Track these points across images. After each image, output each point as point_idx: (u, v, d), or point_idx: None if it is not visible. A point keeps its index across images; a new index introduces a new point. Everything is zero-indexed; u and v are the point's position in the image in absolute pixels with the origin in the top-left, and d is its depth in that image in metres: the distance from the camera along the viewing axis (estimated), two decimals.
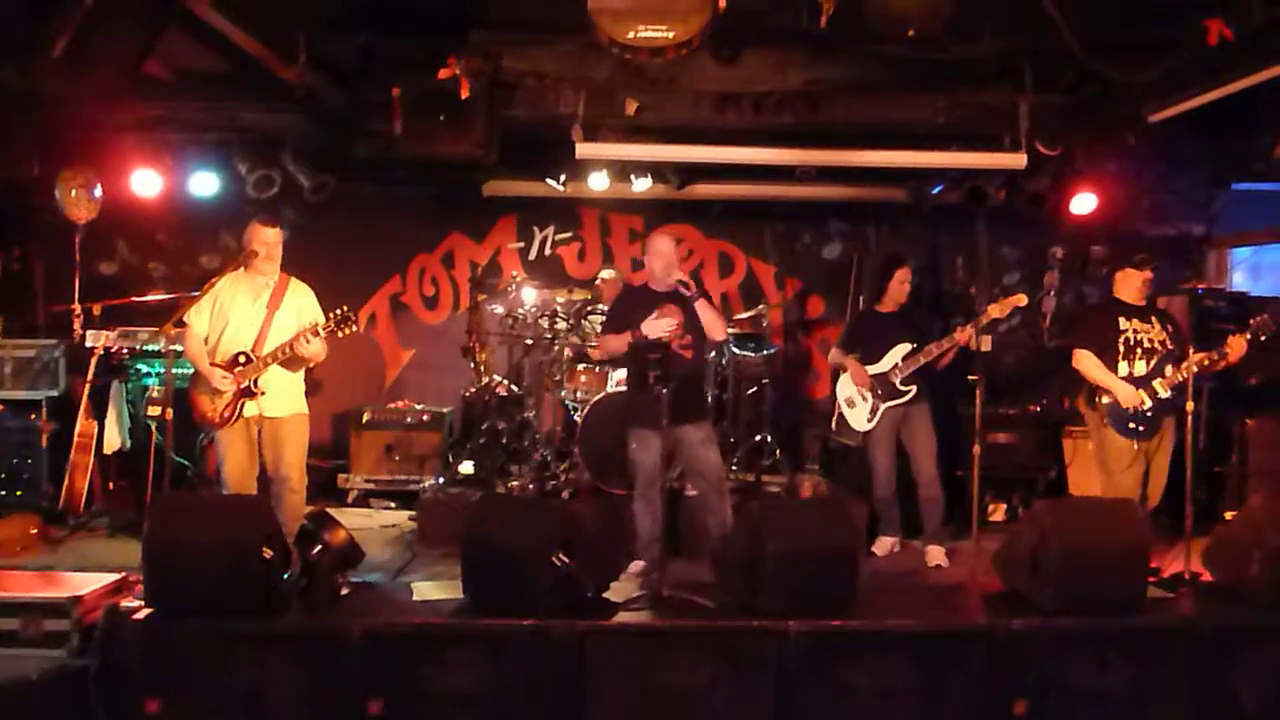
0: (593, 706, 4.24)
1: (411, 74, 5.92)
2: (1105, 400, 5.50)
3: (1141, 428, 5.42)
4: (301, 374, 5.52)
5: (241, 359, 5.29)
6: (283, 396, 5.38)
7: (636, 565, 5.47)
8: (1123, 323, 5.56)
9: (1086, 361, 5.57)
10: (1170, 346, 5.50)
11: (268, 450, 5.38)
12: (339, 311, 5.31)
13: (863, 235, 8.76)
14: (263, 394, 5.27)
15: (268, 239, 5.37)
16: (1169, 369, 5.41)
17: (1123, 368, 5.49)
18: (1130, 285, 5.66)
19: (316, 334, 5.23)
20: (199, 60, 5.41)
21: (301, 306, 5.43)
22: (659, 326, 5.50)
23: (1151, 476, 5.52)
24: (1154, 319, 5.59)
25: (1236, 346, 5.32)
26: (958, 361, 6.15)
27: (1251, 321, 5.32)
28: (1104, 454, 5.59)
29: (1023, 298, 5.85)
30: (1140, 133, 6.69)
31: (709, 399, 5.77)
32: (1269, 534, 4.70)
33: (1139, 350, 5.48)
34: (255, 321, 5.35)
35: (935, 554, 6.02)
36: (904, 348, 6.12)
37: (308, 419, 5.55)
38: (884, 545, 6.30)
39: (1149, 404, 5.42)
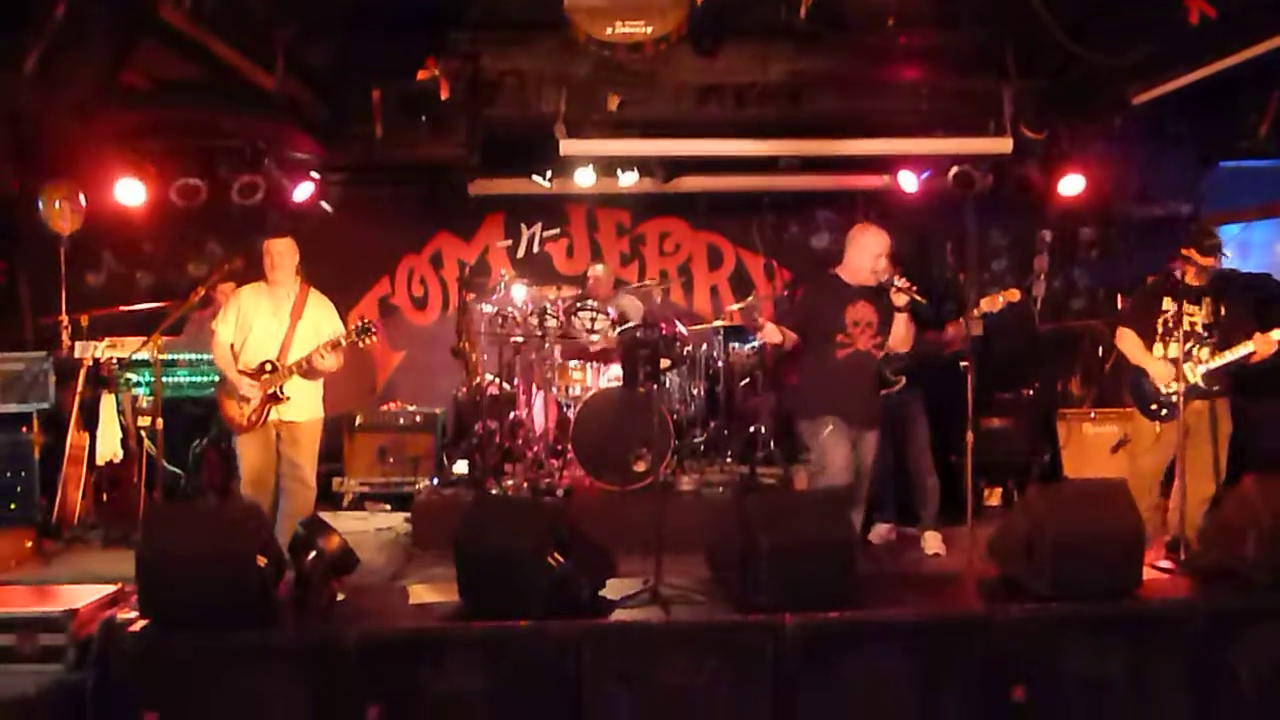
0: (591, 706, 4.23)
1: (391, 77, 5.91)
2: (1134, 379, 5.47)
3: (1164, 410, 5.37)
4: (320, 381, 5.76)
5: (268, 367, 5.52)
6: (303, 402, 5.66)
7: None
8: (1167, 303, 5.43)
9: (1125, 339, 5.55)
10: (1213, 332, 5.34)
11: (286, 452, 5.65)
12: (360, 322, 5.58)
13: (850, 224, 8.70)
14: (287, 400, 5.54)
15: (277, 250, 5.61)
16: (1205, 353, 5.32)
17: (1157, 349, 5.44)
18: (1190, 261, 5.43)
19: (337, 345, 5.50)
20: (178, 70, 5.39)
21: (320, 319, 5.69)
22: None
23: (1194, 469, 5.29)
24: (1206, 300, 5.41)
25: (1263, 345, 5.19)
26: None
27: None
28: (1134, 434, 5.61)
29: (1015, 292, 5.79)
30: (1125, 114, 6.68)
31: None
32: (1263, 514, 4.70)
33: (1177, 332, 5.38)
34: (278, 332, 5.59)
35: (932, 541, 6.03)
36: None
37: (322, 422, 5.83)
38: (879, 532, 6.30)
39: (1174, 387, 5.33)
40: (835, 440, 5.37)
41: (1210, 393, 5.32)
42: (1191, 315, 5.41)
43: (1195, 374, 5.32)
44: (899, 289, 5.26)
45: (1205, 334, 5.35)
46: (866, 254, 5.41)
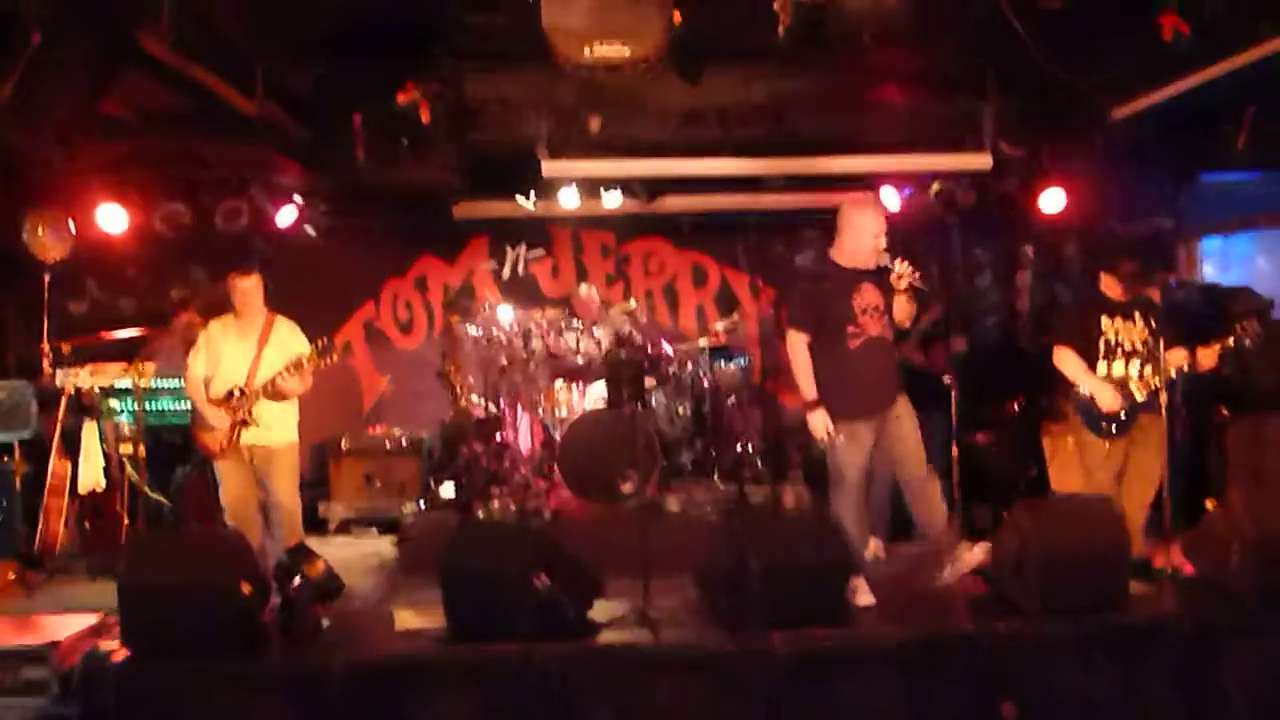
0: None
1: (372, 102, 5.92)
2: (1079, 398, 5.49)
3: (1114, 427, 5.41)
4: (294, 404, 5.81)
5: (235, 393, 5.61)
6: (275, 426, 5.71)
7: (859, 582, 4.98)
8: (1105, 322, 5.47)
9: (1067, 360, 5.49)
10: (1150, 347, 5.40)
11: (262, 476, 5.72)
12: (320, 343, 5.61)
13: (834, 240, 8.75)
14: (256, 424, 5.61)
15: (244, 288, 5.71)
16: (1147, 370, 5.38)
17: (1101, 368, 5.45)
18: (1114, 285, 5.53)
19: (300, 366, 5.53)
20: (159, 98, 5.39)
21: (287, 342, 5.75)
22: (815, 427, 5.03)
23: (1134, 474, 5.45)
24: (1137, 315, 5.48)
25: (1206, 359, 5.29)
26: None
27: (1239, 328, 5.23)
28: (1081, 451, 5.58)
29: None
30: (1105, 130, 6.73)
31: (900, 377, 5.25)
32: (1248, 528, 4.72)
33: (1119, 351, 5.44)
34: (245, 360, 5.68)
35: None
36: None
37: (297, 447, 5.86)
38: (869, 549, 6.23)
39: (1124, 405, 5.41)
40: (850, 450, 5.03)
41: (1154, 406, 5.35)
42: (1130, 332, 5.45)
43: (1142, 392, 5.35)
44: (900, 274, 4.96)
45: (1144, 350, 5.38)
46: (865, 233, 5.08)
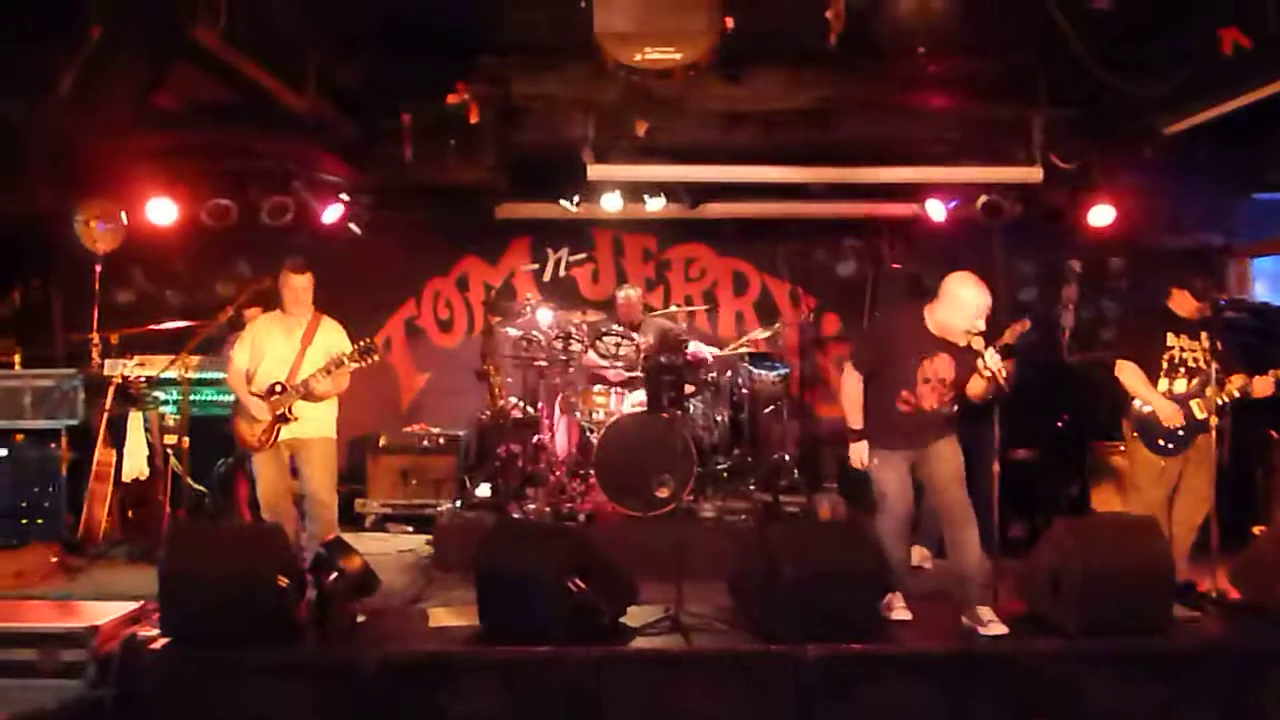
0: None
1: (421, 100, 5.95)
2: (1139, 413, 5.40)
3: (1171, 445, 5.33)
4: (334, 401, 5.84)
5: (277, 388, 5.64)
6: (313, 421, 5.75)
7: (897, 598, 4.96)
8: (1170, 339, 5.40)
9: (1129, 374, 5.43)
10: (1212, 365, 5.30)
11: (300, 469, 5.79)
12: (362, 343, 5.65)
13: (876, 251, 8.71)
14: (296, 420, 5.65)
15: (297, 285, 5.77)
16: (1209, 390, 5.27)
17: (1163, 384, 5.38)
18: (1185, 302, 5.45)
19: (340, 365, 5.59)
20: (210, 91, 5.44)
21: (330, 343, 5.79)
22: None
23: (1186, 495, 5.37)
24: (1203, 335, 5.41)
25: (1264, 386, 5.22)
26: None
27: None
28: (1133, 468, 5.51)
29: (1026, 322, 5.63)
30: (1157, 144, 6.62)
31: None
32: None
33: (1182, 369, 5.36)
34: (289, 357, 5.74)
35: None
36: None
37: (334, 442, 5.89)
38: (918, 554, 6.08)
39: (1183, 423, 5.32)
40: (886, 469, 4.95)
41: (1208, 426, 5.26)
42: (1194, 350, 5.38)
43: (1203, 410, 5.26)
44: (988, 366, 4.66)
45: (1208, 369, 5.30)
46: (964, 311, 4.76)
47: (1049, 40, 5.00)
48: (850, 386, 5.04)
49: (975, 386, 4.86)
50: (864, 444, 4.99)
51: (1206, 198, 8.20)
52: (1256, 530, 6.13)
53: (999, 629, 4.65)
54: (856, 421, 5.00)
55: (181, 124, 6.04)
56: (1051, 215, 7.77)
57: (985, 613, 4.72)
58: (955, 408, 4.97)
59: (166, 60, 4.92)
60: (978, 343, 4.69)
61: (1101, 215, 7.63)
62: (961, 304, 4.76)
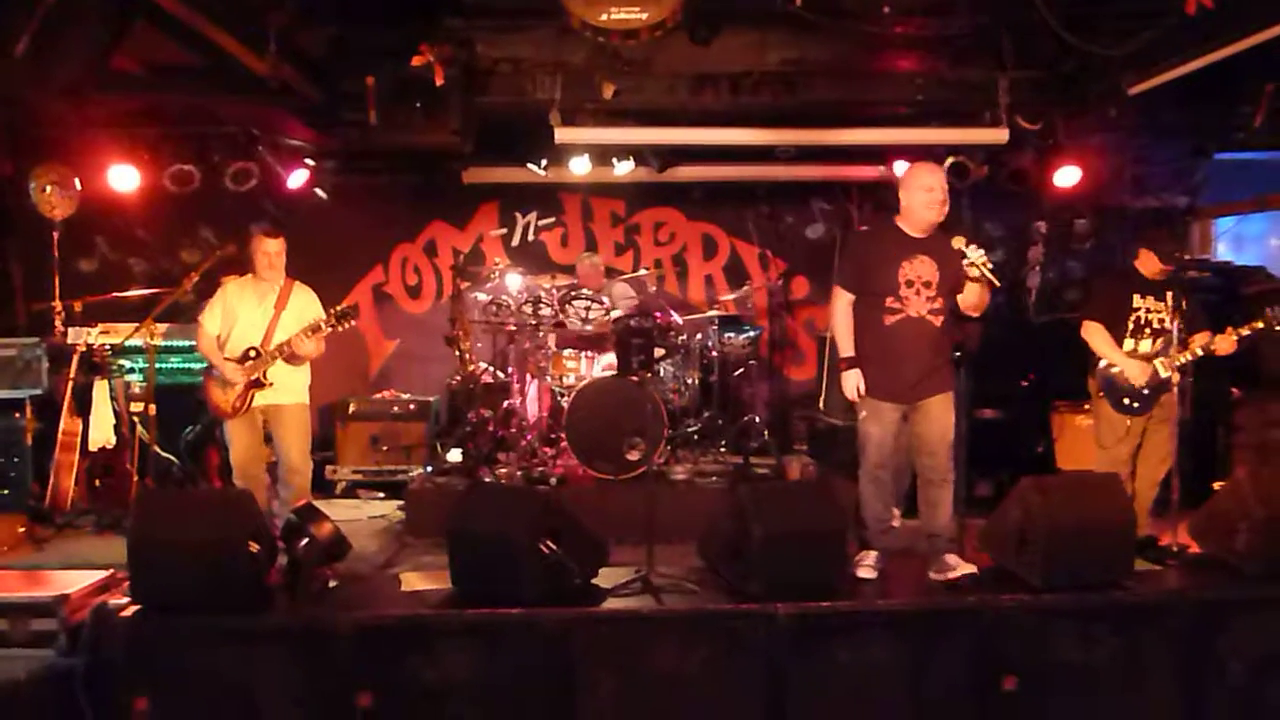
0: (584, 694, 4.23)
1: (385, 63, 5.88)
2: (1105, 373, 5.47)
3: (1136, 404, 5.40)
4: (307, 367, 5.82)
5: (251, 354, 5.63)
6: (287, 387, 5.74)
7: (868, 556, 4.97)
8: (1136, 300, 5.45)
9: (1095, 334, 5.49)
10: (1175, 324, 5.36)
11: (273, 435, 5.78)
12: (339, 308, 5.63)
13: (845, 214, 8.74)
14: (270, 385, 5.64)
15: (270, 249, 5.71)
16: (1173, 350, 5.34)
17: (1128, 344, 5.44)
18: (1150, 262, 5.48)
19: (317, 329, 5.59)
20: (172, 55, 5.35)
21: (304, 307, 5.78)
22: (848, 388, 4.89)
23: (1149, 452, 5.46)
24: (1168, 294, 5.44)
25: (1225, 344, 5.28)
26: None
27: (1269, 312, 5.21)
28: (1098, 426, 5.58)
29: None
30: (1121, 105, 6.66)
31: (948, 366, 4.97)
32: (1255, 506, 4.72)
33: (1147, 329, 5.42)
34: (262, 322, 5.70)
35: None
36: None
37: (308, 408, 5.87)
38: None
39: (1149, 382, 5.39)
40: (870, 423, 4.93)
41: (1174, 385, 5.34)
42: (1160, 310, 5.43)
43: (1167, 369, 5.34)
44: (972, 261, 4.64)
45: (1172, 329, 5.35)
46: (919, 190, 4.79)
47: (1014, 1, 5.00)
48: (839, 308, 4.98)
49: (969, 295, 4.83)
50: (857, 371, 4.91)
51: (1171, 158, 8.28)
52: (1217, 486, 6.26)
53: (968, 568, 4.78)
54: (848, 347, 4.95)
55: (142, 87, 5.94)
56: (1017, 177, 7.82)
57: (952, 559, 4.84)
58: (943, 320, 4.88)
59: (125, 22, 4.82)
60: (958, 241, 4.69)
61: (1067, 176, 7.69)
62: (913, 185, 4.81)
